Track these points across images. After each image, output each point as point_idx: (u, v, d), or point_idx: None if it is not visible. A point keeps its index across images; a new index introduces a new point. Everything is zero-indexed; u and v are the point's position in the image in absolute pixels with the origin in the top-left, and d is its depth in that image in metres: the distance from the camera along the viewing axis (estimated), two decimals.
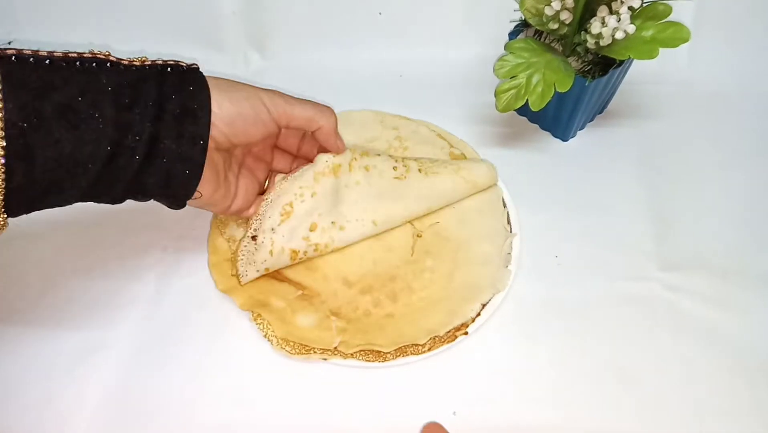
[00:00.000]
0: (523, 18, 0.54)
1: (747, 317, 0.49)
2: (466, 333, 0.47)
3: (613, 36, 0.48)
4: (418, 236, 0.53)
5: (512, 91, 0.52)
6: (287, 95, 0.45)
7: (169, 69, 0.39)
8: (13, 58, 0.33)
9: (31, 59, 0.33)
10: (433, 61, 0.67)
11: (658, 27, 0.50)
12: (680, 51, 0.49)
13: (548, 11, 0.50)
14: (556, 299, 0.50)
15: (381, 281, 0.50)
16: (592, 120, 0.62)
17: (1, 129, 0.32)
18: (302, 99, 0.46)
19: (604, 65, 0.54)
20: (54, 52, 0.35)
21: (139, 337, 0.49)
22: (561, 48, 0.55)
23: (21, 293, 0.51)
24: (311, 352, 0.47)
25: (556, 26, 0.51)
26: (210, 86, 0.40)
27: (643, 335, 0.48)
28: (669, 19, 0.50)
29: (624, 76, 0.57)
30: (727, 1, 0.62)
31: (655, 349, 0.47)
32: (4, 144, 0.32)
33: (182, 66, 0.40)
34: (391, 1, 0.66)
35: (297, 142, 0.52)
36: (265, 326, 0.48)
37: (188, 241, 0.54)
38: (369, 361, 0.46)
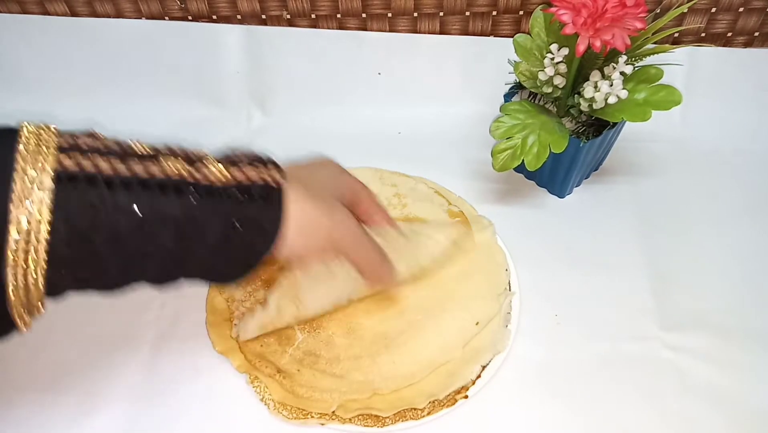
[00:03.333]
0: (518, 80, 0.56)
1: (749, 376, 0.48)
2: (466, 396, 0.47)
3: (605, 100, 0.49)
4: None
5: (508, 152, 0.53)
6: (359, 235, 0.41)
7: (247, 196, 0.35)
8: (80, 177, 0.30)
9: (100, 177, 0.31)
10: (431, 119, 0.68)
11: (650, 90, 0.51)
12: (673, 110, 0.50)
13: (542, 76, 0.52)
14: (556, 359, 0.50)
15: (378, 342, 0.50)
16: (587, 177, 0.63)
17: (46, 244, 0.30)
18: (370, 243, 0.42)
19: (599, 126, 0.55)
20: (117, 159, 0.32)
21: (134, 399, 0.48)
22: (555, 109, 0.56)
23: (14, 354, 0.51)
24: (309, 416, 0.46)
25: (549, 90, 0.53)
26: (286, 226, 0.36)
27: (645, 395, 0.47)
28: (660, 82, 0.51)
29: (618, 135, 0.58)
30: (716, 62, 0.64)
31: (658, 410, 0.47)
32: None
33: (268, 189, 0.36)
34: (390, 61, 0.68)
35: None
36: (262, 390, 0.47)
37: (186, 298, 0.54)
38: (367, 426, 0.46)
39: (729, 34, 0.65)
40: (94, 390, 0.49)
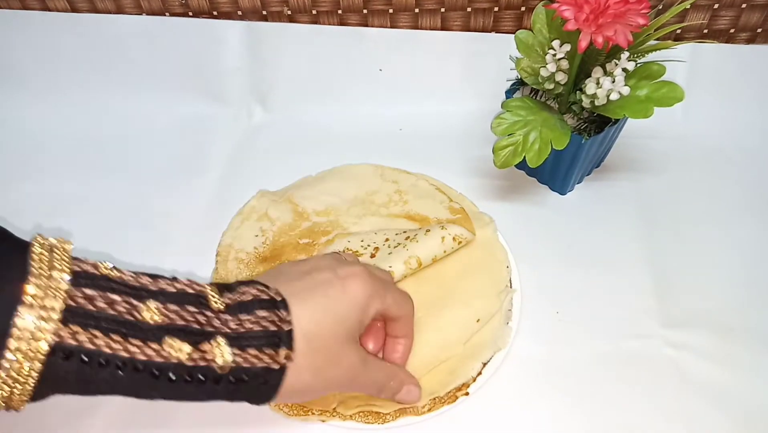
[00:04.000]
0: (519, 77, 0.56)
1: (751, 375, 0.48)
2: (467, 393, 0.47)
3: (608, 97, 0.49)
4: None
5: (510, 148, 0.53)
6: (361, 376, 0.41)
7: (246, 378, 0.35)
8: (83, 358, 0.30)
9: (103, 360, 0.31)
10: (432, 116, 0.68)
11: (652, 86, 0.51)
12: (675, 107, 0.50)
13: (544, 72, 0.52)
14: (557, 356, 0.49)
15: None
16: (589, 174, 0.62)
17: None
18: (373, 379, 0.43)
19: (600, 123, 0.54)
20: (117, 332, 0.31)
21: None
22: (557, 106, 0.56)
23: None
24: (309, 413, 0.46)
25: (551, 86, 0.53)
26: (283, 388, 0.37)
27: (646, 393, 0.47)
28: (663, 78, 0.51)
29: (620, 131, 0.58)
30: (718, 58, 0.64)
31: (659, 408, 0.46)
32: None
33: (270, 371, 0.36)
34: (391, 58, 0.68)
35: None
36: None
37: None
38: (368, 423, 0.46)
39: (732, 30, 0.65)
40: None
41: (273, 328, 0.36)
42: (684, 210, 0.59)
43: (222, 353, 0.34)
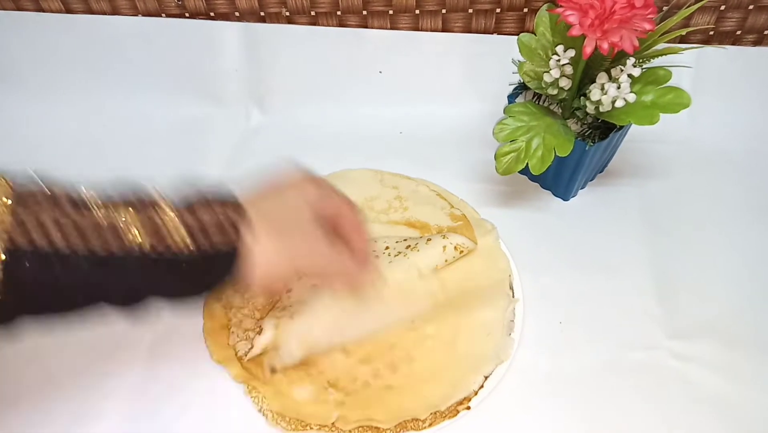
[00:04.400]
0: (522, 81, 0.54)
1: (757, 387, 0.47)
2: (468, 408, 0.46)
3: (613, 104, 0.48)
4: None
5: (512, 155, 0.52)
6: (320, 257, 0.42)
7: (208, 258, 0.36)
8: (26, 261, 0.32)
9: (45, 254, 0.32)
10: (433, 118, 0.67)
11: (658, 92, 0.50)
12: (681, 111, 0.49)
13: (547, 78, 0.50)
14: (560, 368, 0.48)
15: (380, 350, 0.49)
16: (592, 179, 0.61)
17: None
18: (332, 261, 0.43)
19: (605, 128, 0.53)
20: (89, 235, 0.33)
21: (130, 409, 0.47)
22: (560, 111, 0.55)
23: (7, 361, 0.50)
24: (308, 428, 0.45)
25: (555, 92, 0.51)
26: (249, 266, 0.38)
27: (651, 406, 0.46)
28: (668, 83, 0.50)
29: (624, 136, 0.57)
30: (725, 61, 0.62)
31: (664, 420, 0.46)
32: None
33: (230, 245, 0.37)
34: (391, 59, 0.66)
35: None
36: (260, 400, 0.46)
37: None
38: None
39: (738, 32, 0.64)
40: (90, 398, 0.48)
41: (222, 201, 0.38)
42: (689, 216, 0.58)
43: (171, 220, 0.35)
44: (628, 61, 0.48)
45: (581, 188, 0.60)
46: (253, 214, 0.38)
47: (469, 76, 0.66)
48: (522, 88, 0.58)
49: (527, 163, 0.51)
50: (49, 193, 0.34)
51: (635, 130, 0.57)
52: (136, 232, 0.34)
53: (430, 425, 0.45)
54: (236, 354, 0.49)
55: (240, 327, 0.50)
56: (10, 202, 0.32)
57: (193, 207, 0.37)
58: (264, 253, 0.38)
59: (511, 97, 0.58)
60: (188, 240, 0.35)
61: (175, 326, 0.51)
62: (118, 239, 0.34)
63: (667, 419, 0.46)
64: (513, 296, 0.52)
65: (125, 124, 0.69)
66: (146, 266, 0.34)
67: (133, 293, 0.36)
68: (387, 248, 0.52)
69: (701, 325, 0.50)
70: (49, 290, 0.33)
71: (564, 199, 0.60)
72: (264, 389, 0.46)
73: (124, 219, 0.34)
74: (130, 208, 0.35)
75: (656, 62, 0.51)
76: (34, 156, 0.66)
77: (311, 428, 0.45)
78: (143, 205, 0.36)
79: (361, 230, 0.45)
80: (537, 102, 0.57)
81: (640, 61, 0.49)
